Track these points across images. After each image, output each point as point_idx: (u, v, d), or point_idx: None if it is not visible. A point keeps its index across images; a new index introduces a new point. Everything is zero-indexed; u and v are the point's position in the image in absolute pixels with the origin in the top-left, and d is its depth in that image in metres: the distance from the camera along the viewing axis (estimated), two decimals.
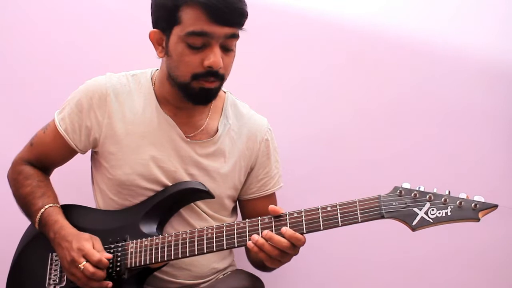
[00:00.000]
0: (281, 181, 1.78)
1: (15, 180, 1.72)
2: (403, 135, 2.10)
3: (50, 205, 1.63)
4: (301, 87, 2.12)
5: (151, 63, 1.67)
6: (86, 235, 1.57)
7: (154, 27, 1.55)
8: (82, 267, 1.48)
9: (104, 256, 1.51)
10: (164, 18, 1.50)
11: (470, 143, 2.09)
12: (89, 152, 1.73)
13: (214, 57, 1.47)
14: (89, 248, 1.51)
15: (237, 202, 1.80)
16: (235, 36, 1.50)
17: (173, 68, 1.54)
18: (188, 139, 1.63)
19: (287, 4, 2.11)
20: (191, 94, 1.54)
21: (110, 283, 1.51)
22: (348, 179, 2.07)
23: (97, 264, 1.49)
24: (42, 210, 1.62)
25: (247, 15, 1.50)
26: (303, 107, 2.11)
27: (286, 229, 1.38)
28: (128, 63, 1.78)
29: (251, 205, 1.76)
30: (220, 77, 1.52)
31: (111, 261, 1.54)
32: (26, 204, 1.67)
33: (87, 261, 1.49)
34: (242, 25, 1.50)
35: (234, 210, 1.78)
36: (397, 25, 2.10)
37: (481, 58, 2.09)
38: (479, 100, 2.10)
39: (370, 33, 2.10)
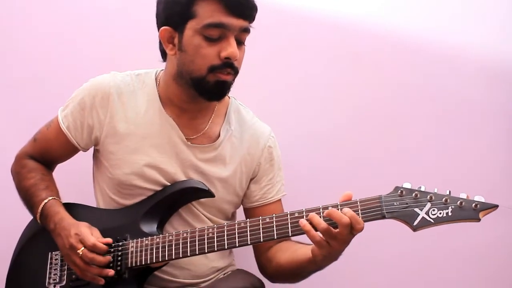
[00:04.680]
0: (283, 190, 1.76)
1: (18, 173, 1.74)
2: (403, 134, 2.10)
3: (53, 197, 1.65)
4: (301, 87, 2.12)
5: (154, 63, 1.67)
6: (86, 223, 1.58)
7: (163, 25, 1.55)
8: (81, 253, 1.49)
9: (101, 240, 1.52)
10: (177, 14, 1.51)
11: (469, 142, 2.09)
12: (91, 151, 1.73)
13: (232, 48, 1.49)
14: (85, 233, 1.52)
15: (243, 211, 1.78)
16: (248, 30, 1.53)
17: (187, 63, 1.53)
18: (189, 142, 1.63)
19: (287, 4, 2.11)
20: (206, 88, 1.53)
21: (111, 271, 1.51)
22: (348, 178, 2.07)
23: (92, 249, 1.49)
24: (45, 201, 1.63)
25: (256, 11, 1.54)
26: (303, 107, 2.11)
27: (348, 209, 1.33)
28: (130, 62, 1.78)
29: (256, 213, 1.72)
30: (235, 70, 1.53)
31: (112, 249, 1.54)
32: (28, 196, 1.68)
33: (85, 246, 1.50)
34: (254, 19, 1.53)
35: (233, 215, 1.78)
36: (397, 25, 2.10)
37: (481, 58, 2.09)
38: (479, 99, 2.10)
39: (371, 33, 2.10)
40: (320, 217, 1.36)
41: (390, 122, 2.10)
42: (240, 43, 1.53)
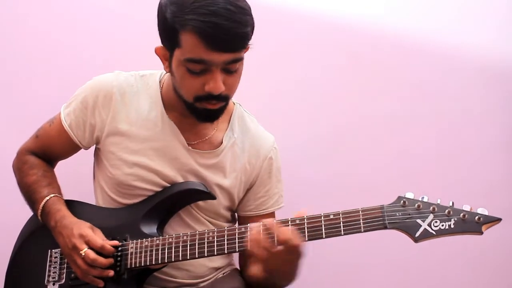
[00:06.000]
0: (281, 202, 1.74)
1: (19, 169, 1.73)
2: (403, 135, 2.12)
3: (55, 194, 1.64)
4: (301, 89, 2.12)
5: (155, 63, 1.65)
6: (88, 223, 1.57)
7: (161, 41, 1.51)
8: (83, 254, 1.49)
9: (109, 243, 1.51)
10: (166, 38, 1.47)
11: (469, 142, 2.11)
12: (92, 148, 1.72)
13: (214, 83, 1.42)
14: (92, 235, 1.51)
15: (237, 217, 1.78)
16: (237, 60, 1.43)
17: (177, 87, 1.52)
18: (190, 147, 1.62)
19: (286, 4, 2.10)
20: (195, 113, 1.52)
21: (112, 272, 1.51)
22: (347, 180, 2.08)
23: (100, 250, 1.49)
24: (47, 198, 1.62)
25: (250, 36, 1.43)
26: (303, 109, 2.12)
27: (291, 227, 1.33)
28: (129, 62, 1.76)
29: (248, 223, 1.66)
30: (223, 99, 1.48)
31: (118, 248, 1.54)
32: (30, 192, 1.67)
33: (90, 247, 1.49)
34: (245, 47, 1.44)
35: (233, 217, 1.77)
36: (397, 25, 2.11)
37: (480, 58, 2.10)
38: (478, 100, 2.11)
39: (370, 33, 2.10)
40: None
41: (390, 123, 2.11)
42: (230, 71, 1.45)
